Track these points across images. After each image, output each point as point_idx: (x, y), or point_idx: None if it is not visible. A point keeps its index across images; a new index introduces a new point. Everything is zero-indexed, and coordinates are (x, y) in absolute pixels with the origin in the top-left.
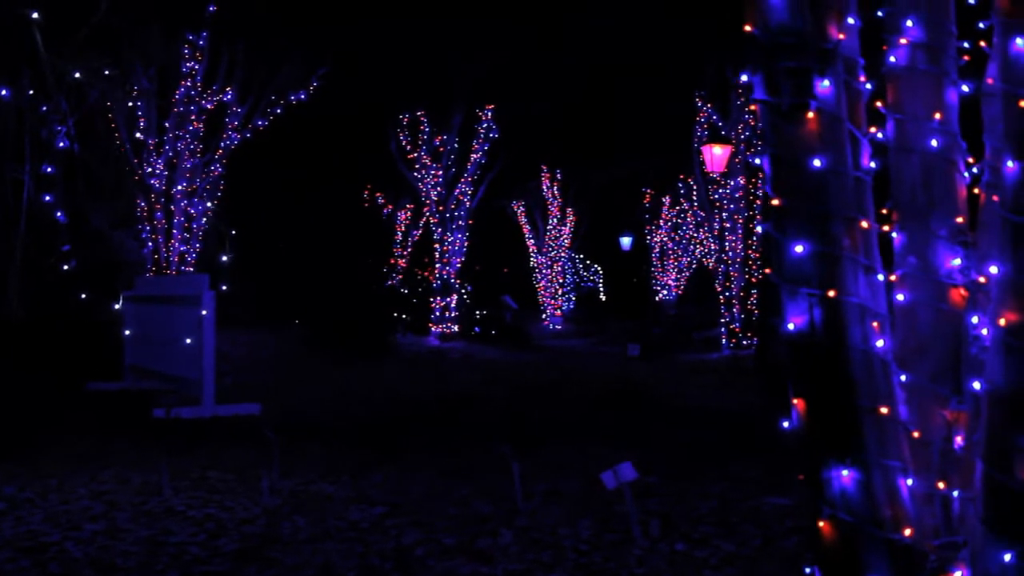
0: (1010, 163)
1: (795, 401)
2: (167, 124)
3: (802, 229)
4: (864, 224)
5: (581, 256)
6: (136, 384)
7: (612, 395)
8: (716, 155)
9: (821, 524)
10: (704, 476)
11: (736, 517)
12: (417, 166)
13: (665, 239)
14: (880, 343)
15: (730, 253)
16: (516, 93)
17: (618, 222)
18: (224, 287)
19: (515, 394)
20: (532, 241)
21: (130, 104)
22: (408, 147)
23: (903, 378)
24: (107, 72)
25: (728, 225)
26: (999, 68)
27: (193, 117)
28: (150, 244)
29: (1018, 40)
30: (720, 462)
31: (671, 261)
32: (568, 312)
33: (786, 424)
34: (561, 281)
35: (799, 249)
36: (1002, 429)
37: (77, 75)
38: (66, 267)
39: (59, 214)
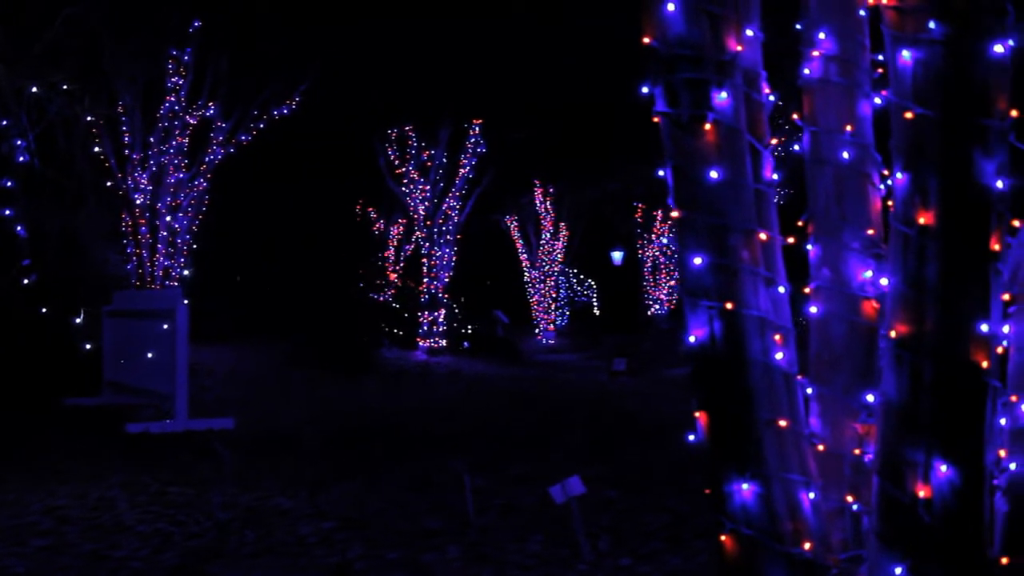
0: (899, 174)
1: (697, 414)
2: (151, 139)
3: (700, 241)
4: (764, 236)
5: (575, 271)
6: (113, 399)
7: (590, 410)
8: None
9: (723, 538)
10: (666, 490)
11: (690, 532)
12: (405, 181)
13: (657, 254)
14: (780, 356)
15: None
16: (510, 104)
17: (611, 237)
18: (187, 301)
19: (493, 409)
20: (525, 256)
21: (91, 119)
22: (396, 162)
23: (809, 391)
24: (65, 87)
25: None
26: (890, 80)
27: (177, 132)
28: (134, 259)
29: (904, 52)
30: (684, 476)
31: (663, 276)
32: (562, 327)
33: (692, 438)
34: (554, 296)
35: (698, 261)
36: (894, 442)
37: (35, 90)
38: (26, 281)
39: (19, 228)
